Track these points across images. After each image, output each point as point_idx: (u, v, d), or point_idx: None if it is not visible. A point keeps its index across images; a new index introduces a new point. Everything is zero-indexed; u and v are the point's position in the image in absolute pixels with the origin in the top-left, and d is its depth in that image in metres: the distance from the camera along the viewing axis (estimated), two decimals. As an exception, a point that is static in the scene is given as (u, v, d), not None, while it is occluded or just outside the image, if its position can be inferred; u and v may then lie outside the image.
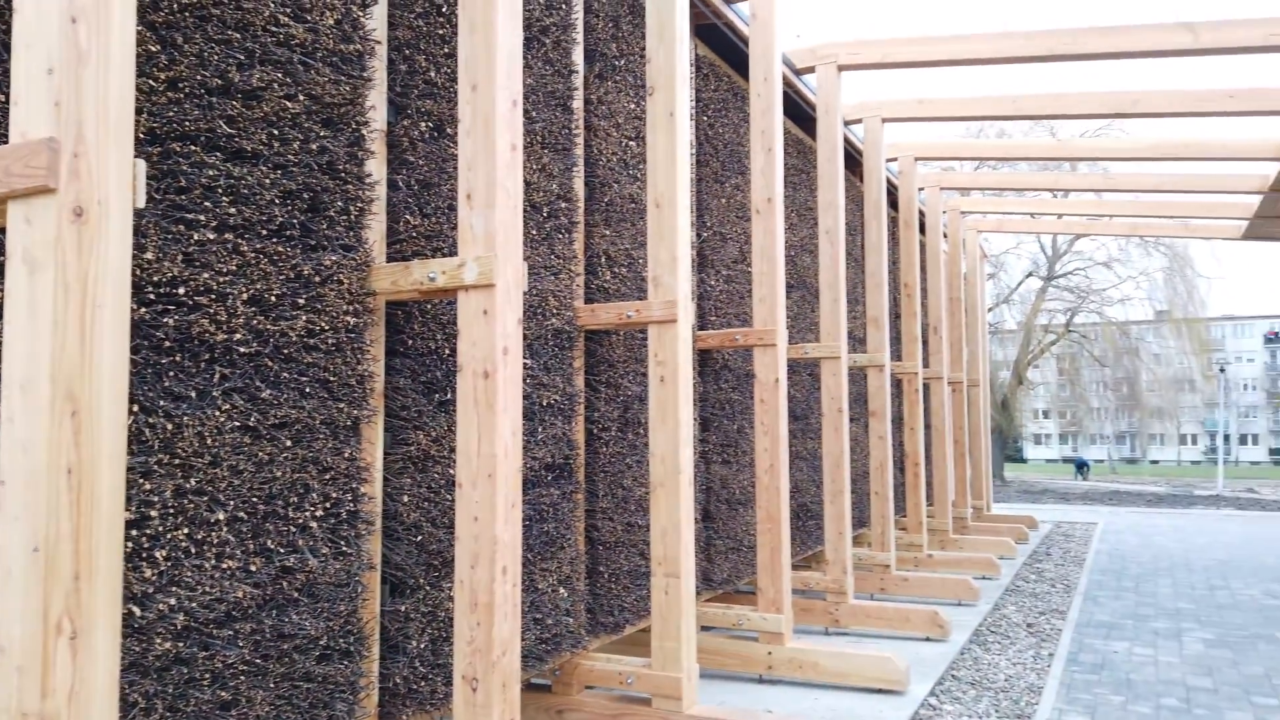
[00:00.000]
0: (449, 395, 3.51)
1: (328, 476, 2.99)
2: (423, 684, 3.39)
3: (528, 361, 4.10)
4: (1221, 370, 35.19)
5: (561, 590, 4.26)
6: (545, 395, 4.22)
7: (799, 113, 7.87)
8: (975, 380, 13.34)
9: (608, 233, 4.88)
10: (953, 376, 12.14)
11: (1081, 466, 40.85)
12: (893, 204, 10.44)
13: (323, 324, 2.96)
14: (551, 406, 4.27)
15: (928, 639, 6.67)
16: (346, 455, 3.07)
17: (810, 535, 7.72)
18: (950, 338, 12.47)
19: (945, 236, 12.51)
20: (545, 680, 4.73)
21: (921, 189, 10.86)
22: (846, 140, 8.52)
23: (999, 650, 6.56)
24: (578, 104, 4.61)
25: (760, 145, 5.79)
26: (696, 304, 6.00)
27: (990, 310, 33.33)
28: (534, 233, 4.17)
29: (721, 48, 6.47)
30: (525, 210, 4.11)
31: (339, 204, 3.03)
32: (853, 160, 9.30)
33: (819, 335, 7.20)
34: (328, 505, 3.00)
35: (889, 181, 9.91)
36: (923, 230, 11.54)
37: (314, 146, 2.95)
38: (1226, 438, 70.74)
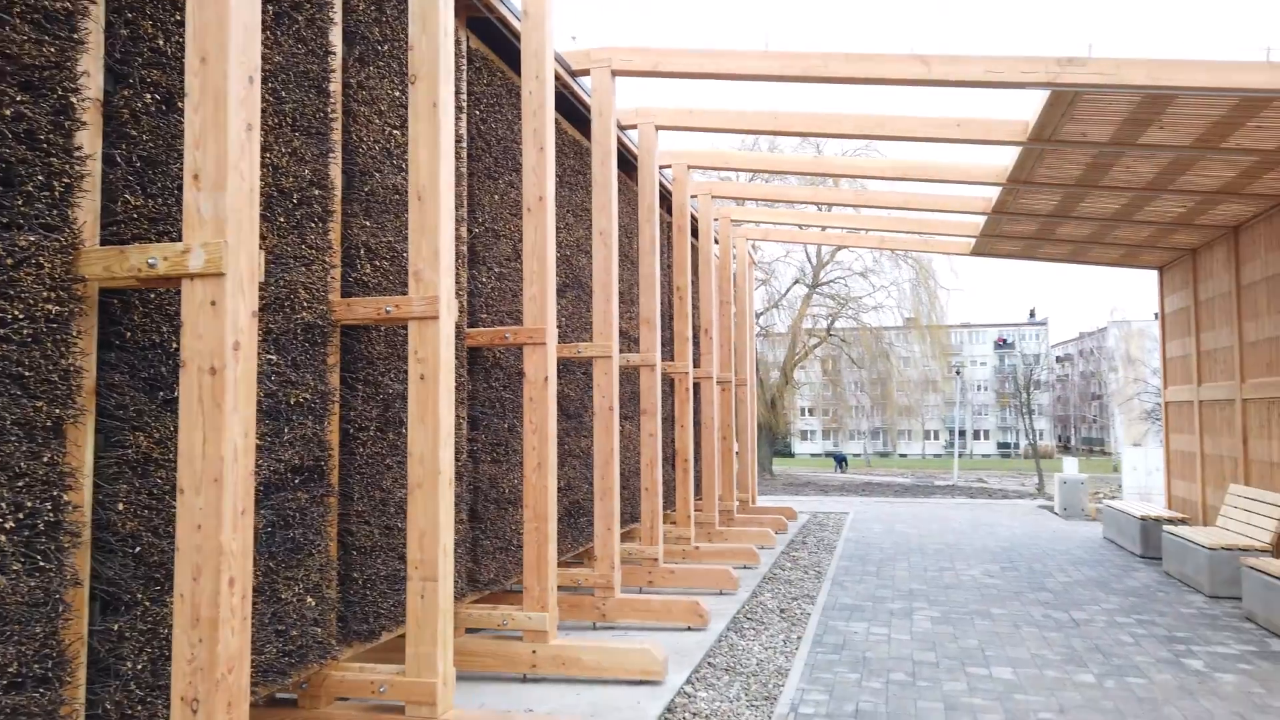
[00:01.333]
0: (175, 393, 3.23)
1: (21, 484, 2.66)
2: (140, 709, 3.09)
3: (273, 357, 3.85)
4: (958, 373, 39.07)
5: (309, 599, 4.04)
6: (294, 393, 3.98)
7: (575, 114, 7.93)
8: (743, 380, 14.04)
9: (368, 224, 4.68)
10: (722, 376, 12.70)
11: (840, 461, 44.31)
12: (668, 209, 10.76)
13: (15, 312, 2.63)
14: (301, 405, 4.04)
15: (689, 629, 6.92)
16: (46, 459, 2.74)
17: (583, 532, 7.80)
18: (721, 339, 13.04)
19: (716, 242, 13.07)
20: (291, 694, 4.48)
21: (695, 196, 11.27)
22: (622, 144, 8.69)
23: (754, 636, 6.92)
24: (335, 87, 4.39)
25: (532, 143, 5.77)
26: (467, 301, 5.90)
27: (761, 314, 35.30)
28: (282, 220, 3.92)
29: (496, 42, 6.40)
30: (272, 196, 3.85)
31: (39, 178, 2.70)
32: (631, 164, 9.50)
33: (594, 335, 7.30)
34: (20, 515, 2.66)
35: (663, 187, 10.21)
36: (695, 235, 11.98)
37: (7, 112, 2.61)
38: (962, 433, 78.79)
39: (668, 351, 10.43)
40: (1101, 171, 8.57)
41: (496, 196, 6.31)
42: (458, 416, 5.65)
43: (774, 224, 13.38)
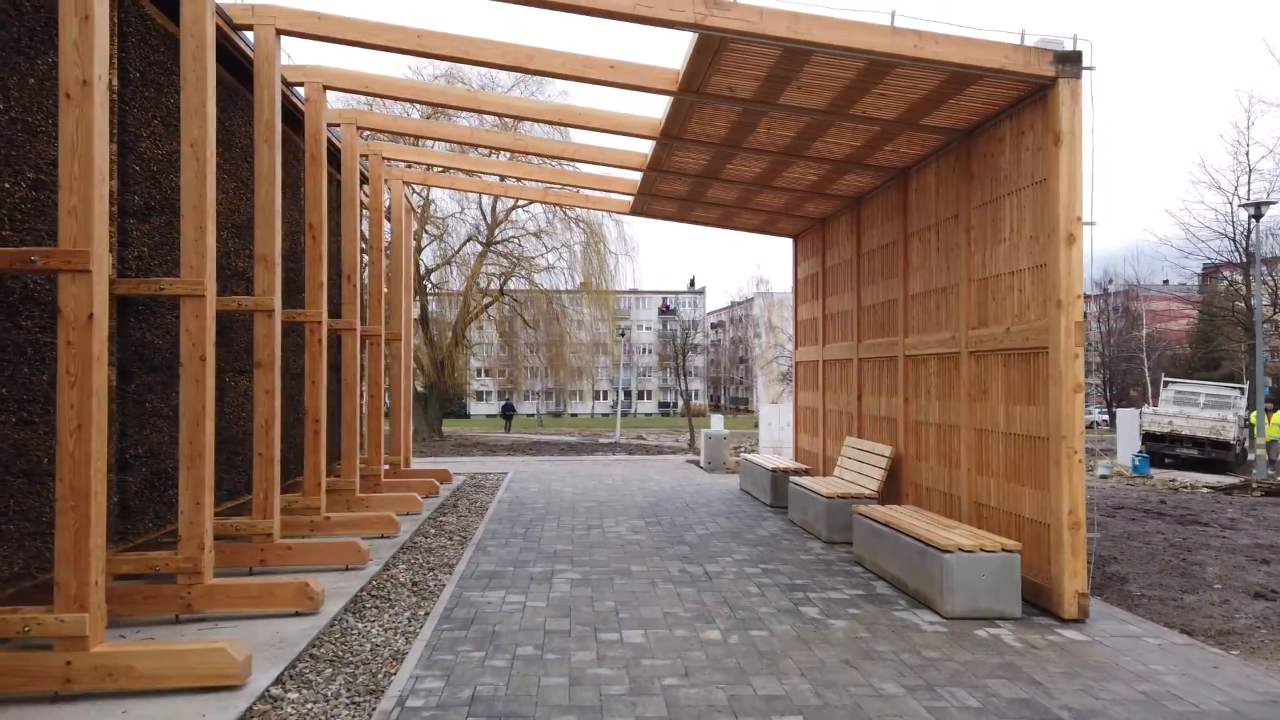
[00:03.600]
0: None
1: None
2: None
3: None
4: (622, 335, 40.48)
5: None
6: None
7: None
8: (397, 334, 13.03)
9: None
10: (370, 329, 11.64)
11: (508, 414, 44.40)
12: (301, 134, 9.44)
13: None
14: None
15: (298, 613, 6.00)
16: None
17: (172, 506, 6.52)
18: (371, 290, 11.93)
19: (366, 183, 11.90)
20: None
21: (336, 125, 10.05)
22: (235, 44, 7.33)
23: (374, 617, 6.16)
24: None
25: (74, 10, 4.44)
26: (-23, 211, 4.47)
27: (433, 271, 34.02)
28: None
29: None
30: None
31: None
32: (246, 71, 8.10)
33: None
34: None
35: (295, 107, 8.91)
36: (339, 170, 10.73)
37: None
38: (628, 393, 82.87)
39: (299, 299, 9.21)
40: (746, 132, 8.71)
41: (33, 81, 4.86)
42: (-42, 363, 4.25)
43: (429, 165, 12.43)
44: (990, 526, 7.29)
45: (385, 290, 13.18)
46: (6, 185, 4.62)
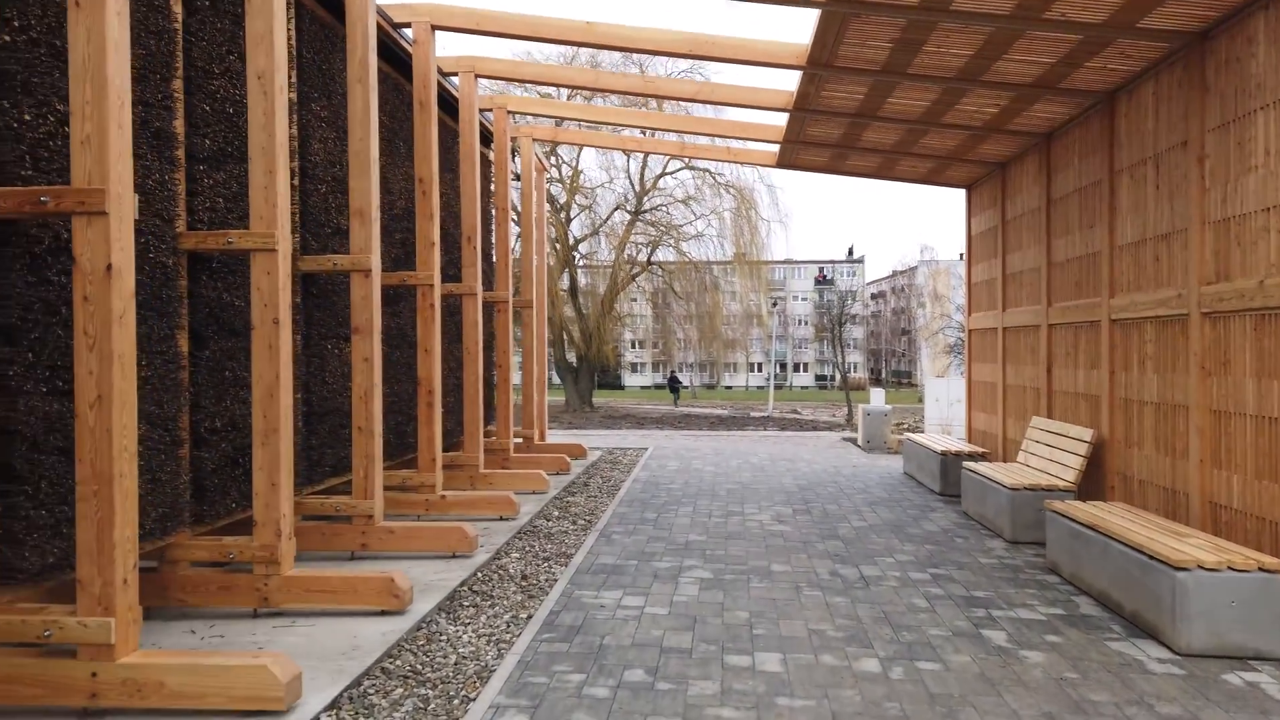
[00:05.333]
0: None
1: None
2: None
3: None
4: (775, 305, 38.97)
5: None
6: None
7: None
8: (528, 301, 12.32)
9: None
10: (496, 295, 10.94)
11: (675, 387, 43.56)
12: (413, 80, 8.69)
13: None
14: None
15: (383, 612, 5.25)
16: None
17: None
18: (500, 253, 11.24)
19: (491, 141, 11.18)
20: None
21: (453, 74, 9.30)
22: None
23: (469, 619, 5.34)
24: None
25: (85, -100, 3.71)
26: (-7, 147, 3.85)
27: (582, 241, 33.59)
28: None
29: None
30: None
31: None
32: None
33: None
34: None
35: (401, 49, 8.17)
36: (457, 122, 9.99)
37: None
38: (783, 366, 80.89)
39: (411, 261, 8.56)
40: (910, 52, 7.29)
41: (66, -1, 4.19)
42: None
43: (559, 120, 11.58)
44: (1233, 535, 5.71)
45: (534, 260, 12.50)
46: (27, 118, 3.98)
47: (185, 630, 4.99)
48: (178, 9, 5.15)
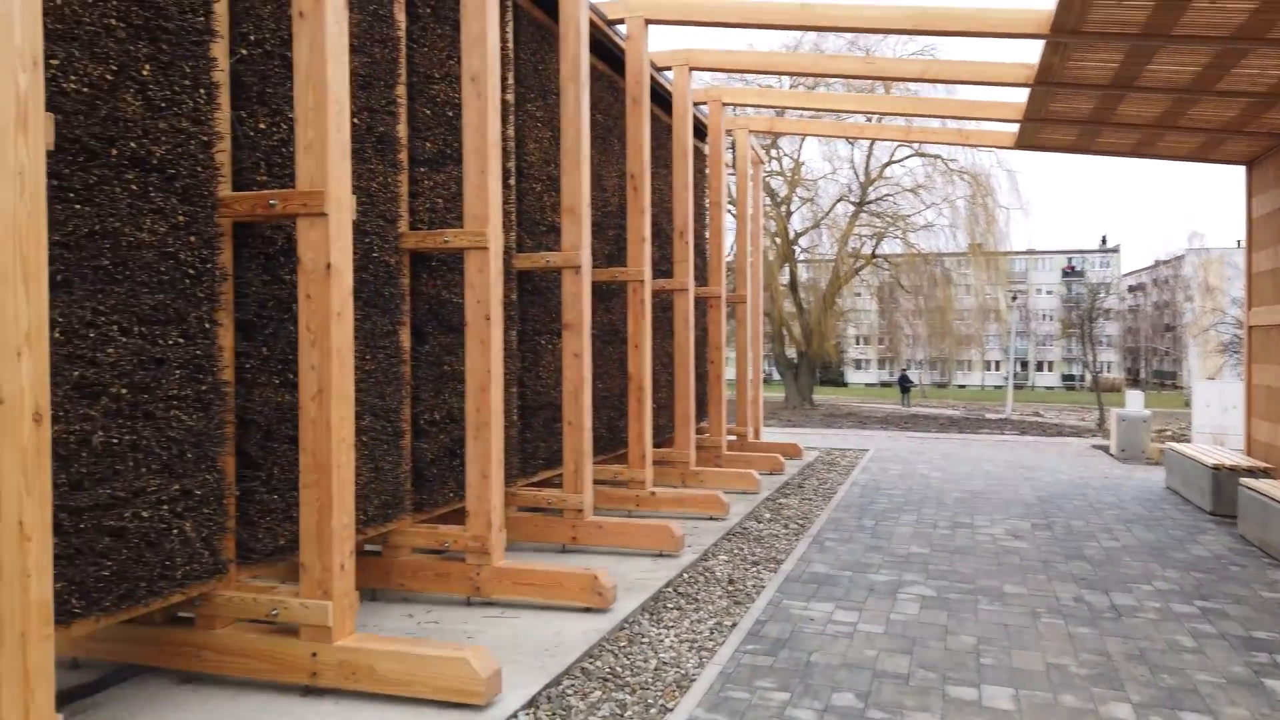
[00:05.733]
0: None
1: None
2: None
3: None
4: (1014, 299, 36.38)
5: None
6: None
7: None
8: (743, 296, 12.10)
9: None
10: (709, 291, 10.80)
11: (906, 386, 41.50)
12: (627, 75, 8.69)
13: None
14: None
15: (588, 609, 5.23)
16: None
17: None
18: (713, 247, 11.09)
19: (705, 135, 11.03)
20: None
21: (667, 69, 9.24)
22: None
23: (672, 621, 5.20)
24: None
25: (309, -84, 3.89)
26: (234, 153, 4.14)
27: (802, 234, 32.86)
28: None
29: None
30: None
31: None
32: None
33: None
34: None
35: (614, 44, 8.18)
36: (671, 117, 9.92)
37: None
38: (1024, 365, 75.51)
39: (623, 257, 8.57)
40: (1175, 9, 6.34)
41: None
42: (214, 323, 3.94)
43: (780, 110, 11.25)
44: None
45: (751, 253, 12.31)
46: (262, 126, 4.26)
47: (404, 614, 5.21)
48: (401, 17, 5.37)
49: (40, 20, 2.64)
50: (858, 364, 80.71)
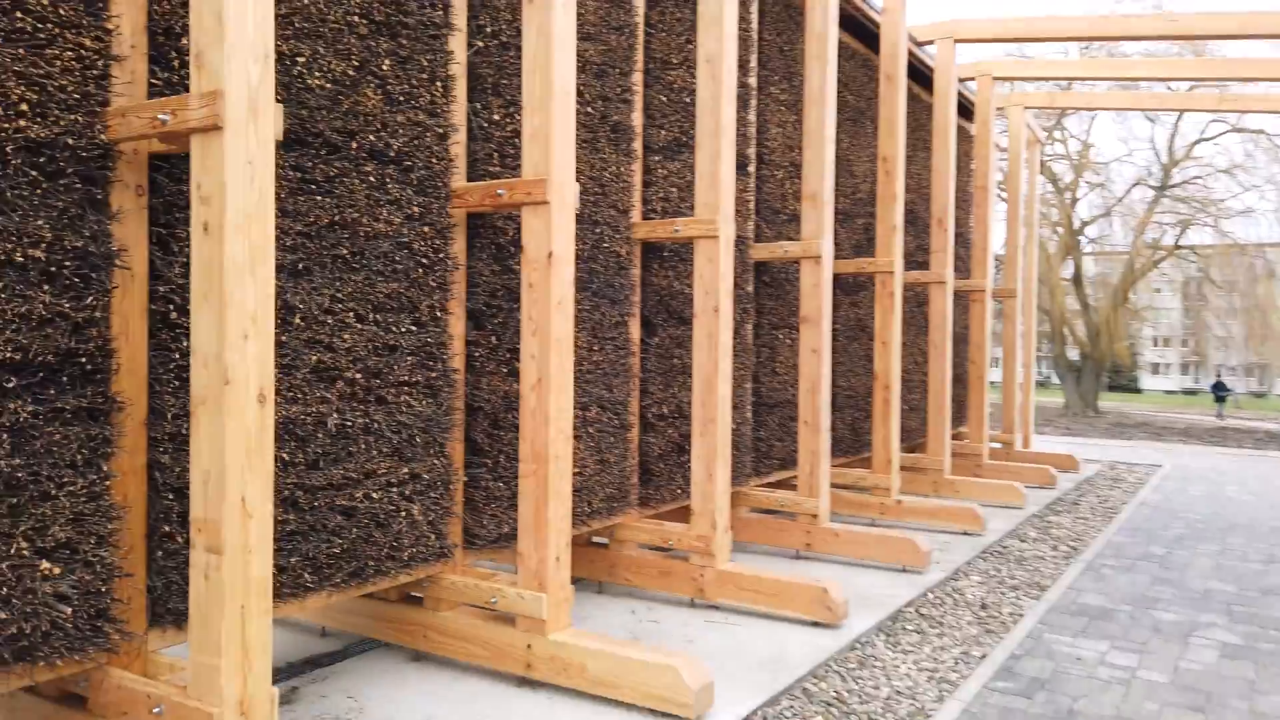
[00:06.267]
0: None
1: None
2: None
3: None
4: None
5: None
6: None
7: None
8: (1010, 290, 11.02)
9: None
10: (972, 285, 9.92)
11: (1221, 394, 34.83)
12: (876, 50, 8.11)
13: None
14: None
15: (815, 623, 4.87)
16: None
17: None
18: (977, 237, 10.19)
19: (970, 114, 10.11)
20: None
21: (927, 43, 8.54)
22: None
23: (911, 646, 4.72)
24: None
25: (538, -100, 3.85)
26: (469, 144, 4.22)
27: (1089, 224, 29.79)
28: None
29: None
30: None
31: None
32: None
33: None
34: None
35: (863, 17, 7.65)
36: (932, 95, 9.18)
37: None
38: (1370, 373, 64.11)
39: (872, 248, 8.03)
40: None
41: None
42: (445, 311, 4.03)
43: (1054, 79, 10.09)
44: None
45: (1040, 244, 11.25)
46: (495, 117, 4.30)
47: (627, 610, 5.13)
48: (639, 2, 5.27)
49: (272, 14, 2.73)
50: (1154, 368, 72.54)
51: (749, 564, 5.75)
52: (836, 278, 7.69)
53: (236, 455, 2.65)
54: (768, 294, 6.66)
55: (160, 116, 2.69)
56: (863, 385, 8.14)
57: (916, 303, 9.19)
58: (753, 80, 6.37)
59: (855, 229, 8.05)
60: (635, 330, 5.30)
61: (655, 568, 5.29)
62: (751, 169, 6.41)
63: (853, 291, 7.96)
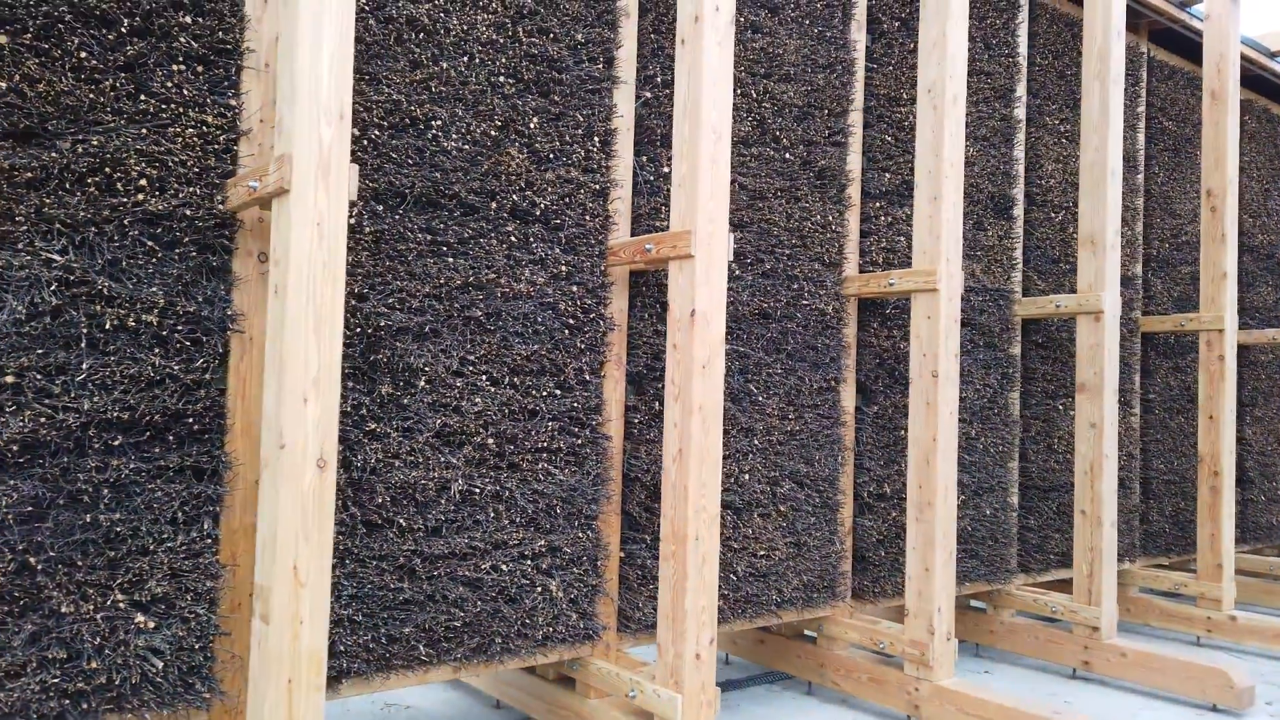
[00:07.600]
0: None
1: None
2: None
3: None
4: None
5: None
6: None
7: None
8: None
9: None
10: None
11: None
12: (1204, 62, 6.61)
13: None
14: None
15: (1057, 774, 3.86)
16: None
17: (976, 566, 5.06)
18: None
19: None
20: None
21: (1256, 45, 6.86)
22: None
23: (1186, 826, 3.55)
24: None
25: (690, -67, 3.57)
26: (634, 199, 3.99)
27: None
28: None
29: None
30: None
31: None
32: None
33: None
34: None
35: (1173, 24, 6.30)
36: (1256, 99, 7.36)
37: None
38: None
39: (1174, 294, 6.53)
40: None
41: None
42: (597, 374, 3.81)
43: None
44: None
45: None
46: (665, 170, 4.02)
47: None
48: (858, 36, 4.76)
49: (350, 76, 2.71)
50: None
51: (993, 682, 4.78)
52: (1149, 337, 6.36)
53: (291, 521, 2.59)
54: (1040, 356, 5.63)
55: (251, 184, 2.76)
56: (1187, 467, 6.60)
57: (1276, 367, 7.35)
58: (1019, 111, 5.51)
59: (1178, 278, 6.62)
60: (848, 397, 4.68)
61: (866, 673, 4.56)
62: (1017, 211, 5.51)
63: (1174, 355, 6.53)
